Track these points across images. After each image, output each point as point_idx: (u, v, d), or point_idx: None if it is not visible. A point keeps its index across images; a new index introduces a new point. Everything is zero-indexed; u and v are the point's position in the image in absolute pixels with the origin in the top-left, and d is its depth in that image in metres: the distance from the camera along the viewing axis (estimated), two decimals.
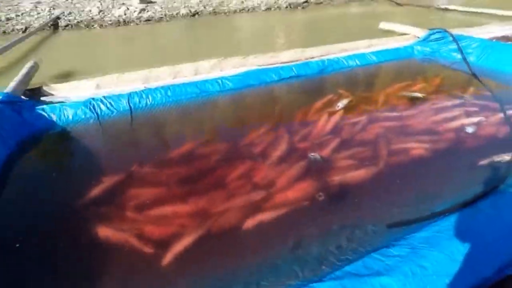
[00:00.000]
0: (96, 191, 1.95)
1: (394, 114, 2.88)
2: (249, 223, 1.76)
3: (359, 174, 2.09)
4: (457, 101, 3.01)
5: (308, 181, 2.02)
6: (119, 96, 2.66)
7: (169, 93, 2.82)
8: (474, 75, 3.40)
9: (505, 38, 4.71)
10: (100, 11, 6.78)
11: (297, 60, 3.82)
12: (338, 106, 2.93)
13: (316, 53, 4.10)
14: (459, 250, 1.30)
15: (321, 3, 9.70)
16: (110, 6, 7.16)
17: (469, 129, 2.47)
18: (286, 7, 8.58)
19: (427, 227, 1.46)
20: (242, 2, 8.47)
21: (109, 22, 6.43)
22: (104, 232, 1.67)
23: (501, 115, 2.66)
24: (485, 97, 3.02)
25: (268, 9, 8.23)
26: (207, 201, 1.91)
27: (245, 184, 2.06)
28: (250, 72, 3.31)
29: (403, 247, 1.33)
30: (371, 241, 1.50)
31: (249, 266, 1.52)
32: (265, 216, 1.79)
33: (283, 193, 1.96)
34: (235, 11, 7.70)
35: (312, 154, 2.18)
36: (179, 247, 1.59)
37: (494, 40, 4.55)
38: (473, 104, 2.94)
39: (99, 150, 2.40)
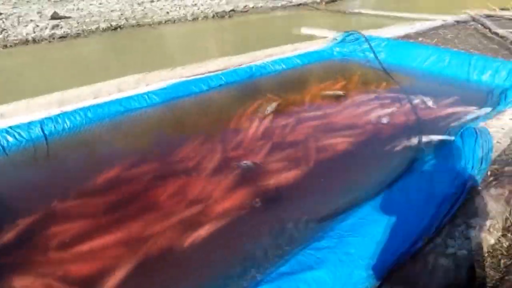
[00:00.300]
0: (9, 236, 1.73)
1: (320, 113, 3.07)
2: (189, 240, 1.71)
3: (292, 174, 2.17)
4: (373, 96, 3.31)
5: (244, 189, 2.04)
6: (30, 124, 2.40)
7: (89, 115, 2.63)
8: (385, 70, 3.78)
9: (407, 37, 5.32)
10: (3, 29, 6.09)
11: (225, 68, 3.85)
12: (267, 111, 3.02)
13: (244, 60, 4.19)
14: (379, 231, 1.42)
15: (247, 11, 9.96)
16: (16, 24, 6.48)
17: (384, 120, 2.73)
18: (213, 16, 8.63)
19: (353, 215, 1.57)
20: (167, 13, 8.31)
21: (15, 42, 5.80)
22: (22, 281, 1.48)
23: (409, 104, 3.00)
24: (395, 90, 3.37)
25: (195, 19, 8.20)
26: (141, 225, 1.82)
27: (181, 201, 2.01)
28: (178, 84, 3.25)
29: (332, 238, 1.41)
30: (305, 238, 1.56)
31: (193, 285, 1.48)
32: (204, 230, 1.76)
33: (220, 204, 1.96)
34: (160, 23, 7.52)
35: (244, 162, 2.21)
36: (113, 281, 1.48)
37: (399, 39, 5.13)
38: (386, 97, 3.27)
39: (10, 188, 2.13)
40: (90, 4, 8.41)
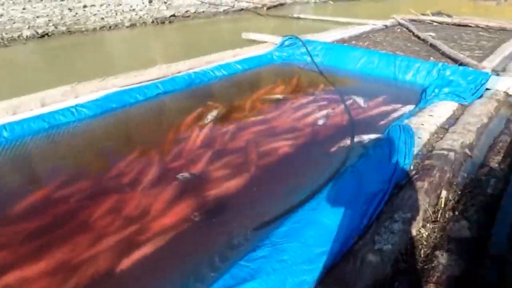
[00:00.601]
0: None
1: (261, 118, 3.09)
2: (124, 263, 1.60)
3: (233, 183, 2.14)
4: (311, 98, 3.43)
5: (183, 203, 1.96)
6: None
7: (5, 134, 2.35)
8: (321, 73, 3.94)
9: (342, 40, 5.63)
10: None
11: (164, 76, 3.72)
12: (208, 119, 2.97)
13: (183, 67, 4.09)
14: (312, 235, 1.45)
15: (188, 16, 9.81)
16: None
17: (321, 122, 2.83)
18: (153, 21, 8.35)
19: (288, 220, 1.58)
20: (102, 18, 7.85)
21: None
22: None
23: (343, 105, 3.15)
24: (331, 92, 3.53)
25: (133, 25, 7.85)
26: (71, 250, 1.66)
27: (115, 220, 1.88)
28: (111, 95, 3.06)
29: (266, 247, 1.41)
30: (242, 249, 1.54)
31: None
32: (141, 251, 1.66)
33: (158, 221, 1.86)
34: (94, 29, 7.07)
35: (182, 174, 2.13)
36: None
37: (334, 43, 5.41)
38: (322, 99, 3.40)
39: None
40: (12, 9, 7.62)
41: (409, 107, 2.98)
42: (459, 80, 3.18)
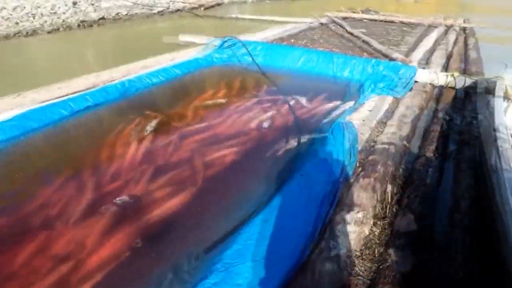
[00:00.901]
0: None
1: (205, 125, 2.94)
2: None
3: (177, 201, 1.97)
4: (255, 100, 3.37)
5: (122, 230, 1.75)
6: None
7: None
8: (263, 74, 3.91)
9: (281, 39, 5.69)
10: None
11: (93, 87, 3.37)
12: (147, 131, 2.74)
13: (116, 75, 3.76)
14: (266, 250, 1.36)
15: (120, 19, 9.19)
16: None
17: (265, 124, 2.77)
18: (79, 25, 7.65)
19: (239, 237, 1.48)
20: (17, 23, 6.97)
21: None
22: None
23: (286, 106, 3.14)
24: (274, 92, 3.50)
25: (56, 30, 7.10)
26: None
27: (44, 262, 1.61)
28: (29, 113, 2.66)
29: (219, 272, 1.29)
30: (192, 277, 1.40)
31: None
32: None
33: (95, 255, 1.63)
34: (7, 36, 6.24)
35: (119, 198, 1.91)
36: None
37: (273, 42, 5.44)
38: (266, 100, 3.36)
39: None
40: None
41: (349, 103, 3.07)
42: (391, 75, 3.37)
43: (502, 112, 2.13)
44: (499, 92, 2.32)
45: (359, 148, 2.21)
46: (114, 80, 3.62)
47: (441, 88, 3.37)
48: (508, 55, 5.20)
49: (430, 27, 6.79)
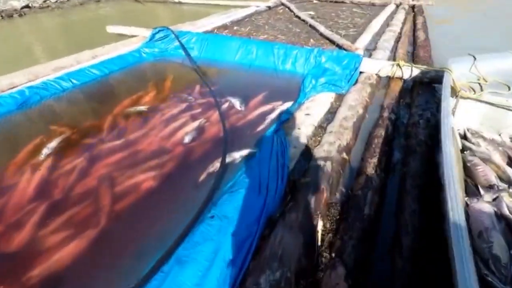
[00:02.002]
0: None
1: (120, 142, 2.46)
2: None
3: (72, 249, 1.57)
4: (184, 105, 2.91)
5: None
6: None
7: None
8: (196, 70, 3.43)
9: (224, 27, 5.18)
10: None
11: None
12: (44, 153, 2.23)
13: (18, 80, 3.13)
14: None
15: (47, 6, 8.11)
16: None
17: (187, 139, 2.35)
18: None
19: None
20: None
21: None
22: None
23: (220, 110, 2.72)
24: (207, 94, 3.06)
25: None
26: None
27: None
28: None
29: None
30: None
31: None
32: None
33: None
34: None
35: None
36: None
37: (214, 31, 4.92)
38: (198, 105, 2.91)
39: None
40: None
41: (288, 104, 2.71)
42: (334, 67, 3.05)
43: (450, 111, 1.87)
44: (446, 88, 2.05)
45: (291, 166, 1.87)
46: (16, 87, 3.00)
47: (388, 78, 3.10)
48: (455, 35, 5.09)
49: (381, 6, 6.56)
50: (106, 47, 4.04)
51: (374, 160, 1.89)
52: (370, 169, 1.82)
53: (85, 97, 3.13)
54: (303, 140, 2.09)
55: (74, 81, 3.20)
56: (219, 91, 3.14)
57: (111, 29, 4.87)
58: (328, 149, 1.96)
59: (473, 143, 2.06)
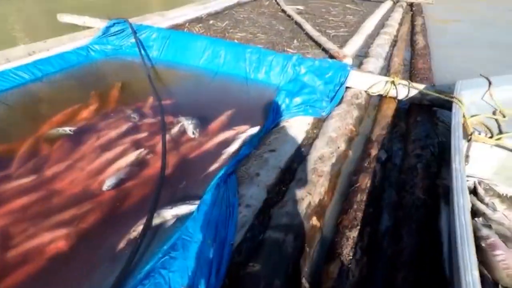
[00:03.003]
0: None
1: (30, 179, 1.88)
2: None
3: None
4: (126, 126, 2.32)
5: None
6: None
7: None
8: (149, 78, 2.82)
9: (198, 20, 4.55)
10: None
11: None
12: None
13: None
14: None
15: None
16: None
17: (108, 183, 1.77)
18: None
19: None
20: None
21: None
22: None
23: (169, 136, 2.15)
24: (158, 110, 2.47)
25: None
26: None
27: None
28: None
29: None
30: None
31: None
32: None
33: None
34: None
35: None
36: None
37: (186, 24, 4.29)
38: (145, 125, 2.33)
39: None
40: None
41: (254, 130, 2.15)
42: (315, 81, 2.49)
43: (463, 162, 1.35)
44: (457, 128, 1.53)
45: (237, 240, 1.32)
46: None
47: (380, 97, 2.56)
48: (459, 38, 4.55)
49: (377, 2, 5.97)
50: (49, 42, 3.38)
51: (354, 233, 1.36)
52: (347, 250, 1.29)
53: (1, 111, 2.50)
54: (260, 193, 1.54)
55: None
56: (174, 106, 2.57)
57: (63, 18, 4.18)
58: (292, 211, 1.42)
59: (486, 204, 1.55)
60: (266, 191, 1.57)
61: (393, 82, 2.41)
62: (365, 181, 1.65)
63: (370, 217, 1.46)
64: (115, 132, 2.26)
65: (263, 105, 2.47)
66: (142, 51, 3.21)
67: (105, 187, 1.71)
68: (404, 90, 2.41)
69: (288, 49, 3.35)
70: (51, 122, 2.42)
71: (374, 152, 1.89)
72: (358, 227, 1.39)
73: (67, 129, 2.20)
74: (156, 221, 1.52)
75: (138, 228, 1.49)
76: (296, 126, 2.07)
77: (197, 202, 1.53)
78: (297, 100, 2.27)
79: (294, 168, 1.74)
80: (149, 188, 1.78)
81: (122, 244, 1.50)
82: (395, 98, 2.47)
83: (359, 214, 1.45)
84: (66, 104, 2.60)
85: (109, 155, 2.06)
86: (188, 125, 2.18)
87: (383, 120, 2.21)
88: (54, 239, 1.58)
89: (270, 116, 2.14)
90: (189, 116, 2.29)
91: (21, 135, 2.23)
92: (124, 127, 2.31)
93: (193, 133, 2.12)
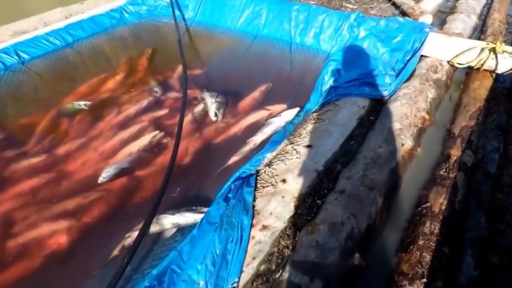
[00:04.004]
0: None
1: (44, 158, 1.74)
2: None
3: None
4: (147, 101, 2.04)
5: None
6: None
7: None
8: (179, 44, 2.45)
9: None
10: None
11: None
12: None
13: None
14: None
15: None
16: None
17: (105, 175, 1.52)
18: None
19: None
20: None
21: None
22: None
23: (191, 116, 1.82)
24: (181, 82, 2.14)
25: None
26: None
27: None
28: None
29: None
30: None
31: None
32: None
33: None
34: None
35: None
36: None
37: None
38: (167, 101, 2.05)
39: None
40: None
41: (292, 113, 1.71)
42: (378, 47, 1.90)
43: None
44: None
45: (244, 279, 0.98)
46: None
47: (467, 71, 1.88)
48: None
49: None
50: (85, 3, 3.18)
51: (417, 287, 0.91)
52: None
53: (29, 80, 2.38)
54: (285, 209, 1.15)
55: (22, 55, 2.46)
56: (203, 77, 2.22)
57: None
58: (325, 240, 1.02)
59: None
60: (294, 205, 1.17)
61: (493, 50, 1.71)
62: (440, 201, 1.14)
63: (444, 260, 0.98)
64: (134, 108, 2.01)
65: (307, 79, 1.98)
66: (176, 12, 2.84)
67: (100, 179, 1.47)
68: (508, 61, 1.70)
69: (346, 4, 2.69)
70: (76, 93, 2.26)
71: (456, 153, 1.33)
72: (424, 278, 0.93)
73: (82, 104, 2.01)
74: (153, 228, 1.24)
75: (133, 234, 1.23)
76: (346, 111, 1.57)
77: (205, 210, 1.21)
78: (351, 73, 1.74)
79: (336, 173, 1.29)
80: (154, 183, 1.51)
81: (116, 251, 1.28)
82: (492, 72, 1.78)
83: (427, 256, 0.98)
84: (95, 73, 2.42)
85: (124, 134, 1.82)
86: (211, 104, 1.81)
87: (472, 105, 1.58)
88: (53, 232, 1.43)
89: (313, 96, 1.66)
90: (214, 92, 1.92)
91: (46, 107, 2.10)
92: (145, 102, 2.04)
93: (216, 114, 1.75)
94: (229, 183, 1.24)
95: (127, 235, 1.28)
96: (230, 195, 1.17)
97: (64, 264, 1.36)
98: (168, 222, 1.22)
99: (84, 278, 1.26)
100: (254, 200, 1.16)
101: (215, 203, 1.15)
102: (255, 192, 1.19)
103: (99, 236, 1.41)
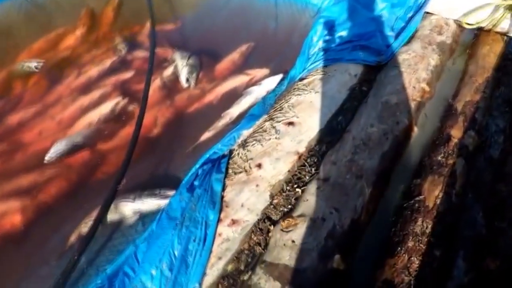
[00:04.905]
0: None
1: None
2: None
3: None
4: (109, 61, 1.77)
5: None
6: None
7: None
8: None
9: None
10: None
11: None
12: None
13: None
14: None
15: None
16: None
17: (53, 152, 1.33)
18: None
19: None
20: None
21: None
22: None
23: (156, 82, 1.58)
24: (152, 36, 1.86)
25: None
26: None
27: None
28: None
29: None
30: None
31: None
32: None
33: None
34: None
35: None
36: None
37: None
38: (133, 61, 1.78)
39: None
40: None
41: (276, 79, 1.49)
42: (377, 3, 1.62)
43: None
44: None
45: (207, 283, 0.86)
46: None
47: (476, 33, 1.64)
48: None
49: None
50: None
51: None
52: None
53: None
54: (259, 200, 1.00)
55: None
56: (176, 34, 1.94)
57: None
58: (302, 239, 0.88)
59: None
60: (269, 194, 1.01)
61: (510, 8, 1.47)
62: (435, 193, 1.00)
63: (434, 266, 0.87)
64: (96, 69, 1.75)
65: (294, 39, 1.72)
66: None
67: (47, 158, 1.28)
68: None
69: None
70: (31, 50, 1.96)
71: (457, 134, 1.17)
72: (411, 286, 0.82)
73: (33, 65, 1.73)
74: (111, 216, 1.09)
75: (90, 222, 1.07)
76: (336, 80, 1.36)
77: (171, 193, 1.05)
78: (343, 34, 1.50)
79: (321, 155, 1.13)
80: (119, 158, 1.32)
81: (73, 237, 1.14)
82: (504, 34, 1.55)
83: (416, 261, 0.86)
84: (52, 27, 2.09)
85: (84, 101, 1.60)
86: (182, 67, 1.57)
87: (479, 75, 1.39)
88: (7, 211, 1.28)
89: (299, 60, 1.43)
90: (187, 52, 1.66)
91: None
92: (109, 62, 1.77)
93: (187, 80, 1.52)
94: (197, 166, 1.07)
95: (84, 221, 1.13)
96: (196, 182, 1.00)
97: (17, 247, 1.23)
98: (128, 209, 1.07)
99: (39, 265, 1.15)
100: (223, 189, 1.00)
101: (177, 193, 0.99)
102: (225, 179, 1.03)
103: (56, 217, 1.27)
